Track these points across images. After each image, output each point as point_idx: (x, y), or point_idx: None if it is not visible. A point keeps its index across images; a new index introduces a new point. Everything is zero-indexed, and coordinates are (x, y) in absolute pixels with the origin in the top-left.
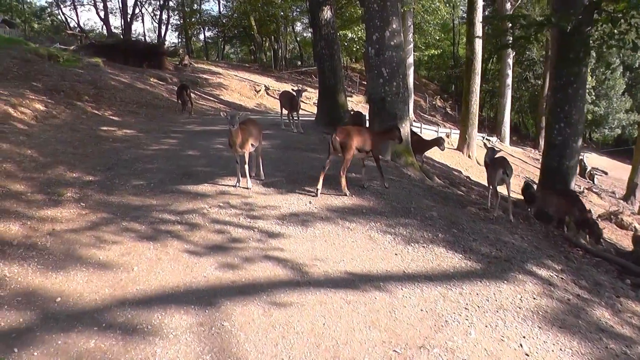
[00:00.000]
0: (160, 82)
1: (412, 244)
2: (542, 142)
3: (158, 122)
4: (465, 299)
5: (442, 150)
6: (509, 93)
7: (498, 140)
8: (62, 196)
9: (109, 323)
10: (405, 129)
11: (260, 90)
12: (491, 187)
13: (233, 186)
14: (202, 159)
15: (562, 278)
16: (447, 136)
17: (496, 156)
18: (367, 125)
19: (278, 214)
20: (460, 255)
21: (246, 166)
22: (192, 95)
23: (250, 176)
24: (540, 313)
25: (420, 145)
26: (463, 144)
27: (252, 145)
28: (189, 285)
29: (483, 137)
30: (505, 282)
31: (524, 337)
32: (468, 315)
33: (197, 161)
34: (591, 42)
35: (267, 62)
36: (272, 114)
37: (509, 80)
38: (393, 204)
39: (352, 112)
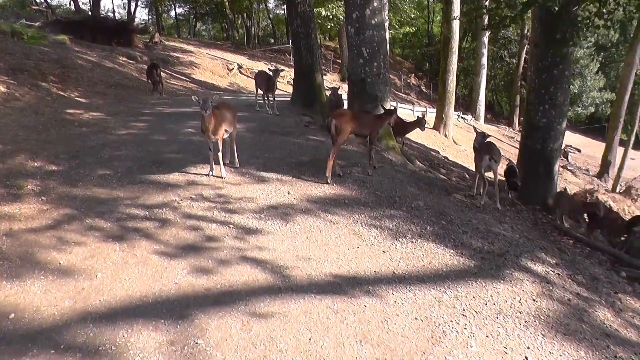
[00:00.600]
0: (130, 61)
1: (400, 239)
2: (516, 120)
3: (127, 103)
4: (462, 303)
5: (423, 131)
6: (484, 72)
7: (473, 118)
8: (22, 189)
9: (68, 344)
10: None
11: (233, 69)
12: (478, 173)
13: (206, 175)
14: (173, 144)
15: (558, 274)
16: (424, 115)
17: (485, 141)
18: (345, 106)
19: (255, 206)
20: (452, 251)
21: (219, 154)
22: (163, 74)
23: (224, 164)
24: (542, 318)
25: (401, 127)
26: (440, 123)
27: (226, 131)
28: (159, 294)
29: (458, 116)
30: (502, 281)
31: (528, 347)
32: (467, 323)
33: (168, 147)
34: (578, 22)
35: (239, 40)
36: (246, 93)
37: (484, 59)
38: (377, 193)
39: (332, 88)
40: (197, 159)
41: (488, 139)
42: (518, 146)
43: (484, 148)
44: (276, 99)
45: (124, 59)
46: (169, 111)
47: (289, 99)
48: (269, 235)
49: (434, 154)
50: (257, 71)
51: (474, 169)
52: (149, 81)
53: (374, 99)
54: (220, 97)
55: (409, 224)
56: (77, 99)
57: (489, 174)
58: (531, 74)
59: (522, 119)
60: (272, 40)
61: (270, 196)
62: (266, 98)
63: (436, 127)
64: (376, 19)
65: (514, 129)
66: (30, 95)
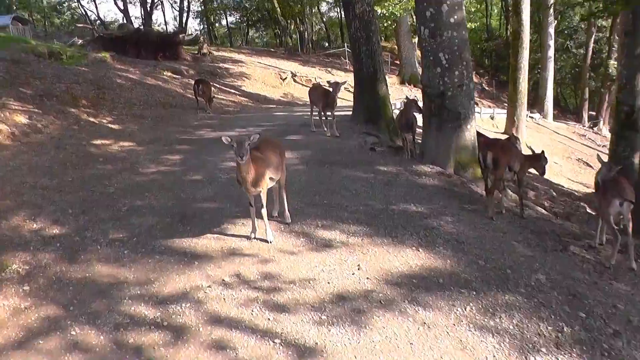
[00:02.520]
0: (175, 76)
1: (531, 357)
2: (585, 116)
3: (165, 126)
4: None
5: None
6: (551, 65)
7: (541, 116)
8: (3, 271)
9: None
10: (471, 131)
11: (286, 77)
12: (603, 219)
13: (247, 238)
14: (209, 186)
15: None
16: (491, 117)
17: (611, 175)
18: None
19: (314, 297)
20: None
21: (264, 210)
22: (212, 89)
23: (271, 218)
24: None
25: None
26: (511, 126)
27: (271, 179)
28: None
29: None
30: None
31: None
32: None
33: (202, 191)
34: None
35: (293, 46)
36: (301, 104)
37: (551, 52)
38: (479, 262)
39: (405, 100)
40: (237, 210)
41: (615, 171)
42: (593, 146)
43: (611, 186)
44: (335, 114)
45: (169, 74)
46: (211, 136)
47: (349, 112)
48: (335, 357)
49: None
50: (312, 84)
51: (592, 210)
52: (197, 99)
53: (455, 118)
54: (261, 135)
55: (536, 321)
56: (108, 125)
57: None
58: (620, 68)
59: (593, 114)
60: (327, 44)
61: (334, 275)
62: (324, 116)
63: (507, 132)
64: (456, 17)
65: (584, 126)
66: (55, 125)
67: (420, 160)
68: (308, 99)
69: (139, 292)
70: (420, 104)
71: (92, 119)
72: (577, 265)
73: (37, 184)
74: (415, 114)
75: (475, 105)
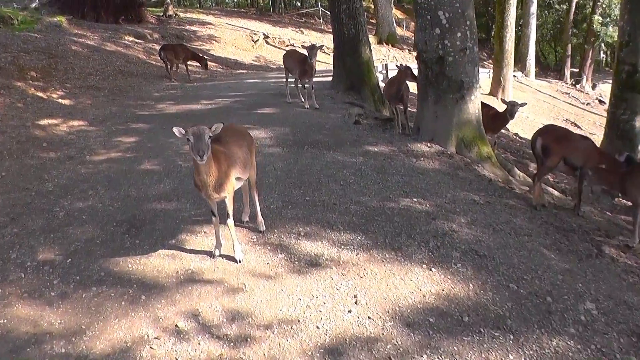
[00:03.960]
0: (138, 41)
1: None
2: (567, 73)
3: (123, 100)
4: None
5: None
6: (533, 22)
7: (523, 75)
8: None
9: None
10: (475, 103)
11: (258, 39)
12: None
13: (210, 255)
14: (165, 179)
15: None
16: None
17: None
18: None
19: (298, 351)
20: None
21: (230, 221)
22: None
23: (239, 222)
24: None
25: (498, 121)
26: (497, 87)
27: (238, 179)
28: None
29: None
30: None
31: None
32: None
33: (156, 186)
34: None
35: (264, 6)
36: (274, 68)
37: (534, 8)
38: (510, 286)
39: (400, 67)
40: (198, 212)
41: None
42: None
43: None
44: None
45: (131, 38)
46: (172, 111)
47: (328, 78)
48: None
49: (504, 132)
50: (287, 51)
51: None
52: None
53: (457, 87)
54: (225, 124)
55: None
56: (59, 100)
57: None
58: (623, 23)
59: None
60: (299, 4)
61: (324, 313)
62: (300, 85)
63: (493, 92)
64: None
65: (566, 83)
66: None
67: (416, 136)
68: (282, 65)
69: (63, 349)
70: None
71: (40, 94)
72: (622, 278)
73: None
74: (407, 82)
75: None
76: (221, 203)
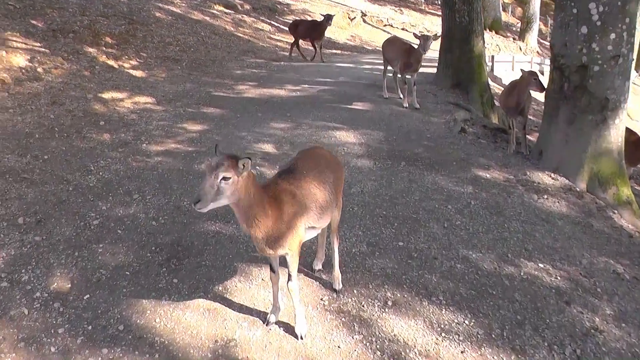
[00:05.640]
0: (227, 11)
1: None
2: None
3: (200, 76)
4: None
5: None
6: None
7: (637, 75)
8: None
9: None
10: (619, 129)
11: (354, 17)
12: None
13: (263, 320)
14: None
15: None
16: None
17: None
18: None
19: None
20: None
21: (293, 285)
22: (268, 27)
23: (307, 269)
24: None
25: None
26: None
27: (310, 229)
28: None
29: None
30: None
31: None
32: None
33: None
34: None
35: None
36: (370, 50)
37: None
38: None
39: (524, 73)
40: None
41: None
42: None
43: None
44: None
45: (220, 8)
46: (252, 94)
47: (430, 70)
48: None
49: None
50: (388, 38)
51: None
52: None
53: (599, 107)
54: (308, 147)
55: None
56: (129, 71)
57: None
58: None
59: None
60: None
61: None
62: (400, 79)
63: None
64: None
65: None
66: (61, 70)
67: (537, 162)
68: (379, 42)
69: None
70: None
71: (111, 62)
72: None
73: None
74: (531, 91)
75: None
76: (282, 259)
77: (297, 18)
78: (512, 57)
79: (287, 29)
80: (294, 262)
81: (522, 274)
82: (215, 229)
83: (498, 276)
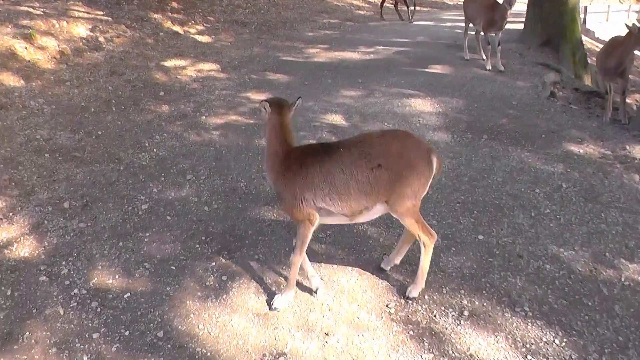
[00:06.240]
0: None
1: None
2: None
3: (269, 39)
4: None
5: None
6: None
7: None
8: None
9: None
10: None
11: None
12: None
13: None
14: None
15: None
16: None
17: None
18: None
19: None
20: None
21: (294, 257)
22: None
23: (377, 270)
24: None
25: None
26: None
27: (327, 212)
28: None
29: None
30: None
31: None
32: None
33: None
34: None
35: None
36: (451, 7)
37: None
38: None
39: (633, 29)
40: (319, 236)
41: None
42: None
43: None
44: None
45: None
46: (322, 58)
47: (517, 26)
48: None
49: None
50: None
51: None
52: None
53: None
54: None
55: None
56: (195, 37)
57: None
58: None
59: None
60: None
61: None
62: (483, 37)
63: None
64: None
65: None
66: (124, 38)
67: (638, 133)
68: (462, 9)
69: None
70: None
71: (176, 28)
72: None
73: (49, 141)
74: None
75: None
76: None
77: None
78: (607, 7)
79: None
80: (300, 234)
81: (622, 279)
82: (272, 217)
83: (594, 282)
